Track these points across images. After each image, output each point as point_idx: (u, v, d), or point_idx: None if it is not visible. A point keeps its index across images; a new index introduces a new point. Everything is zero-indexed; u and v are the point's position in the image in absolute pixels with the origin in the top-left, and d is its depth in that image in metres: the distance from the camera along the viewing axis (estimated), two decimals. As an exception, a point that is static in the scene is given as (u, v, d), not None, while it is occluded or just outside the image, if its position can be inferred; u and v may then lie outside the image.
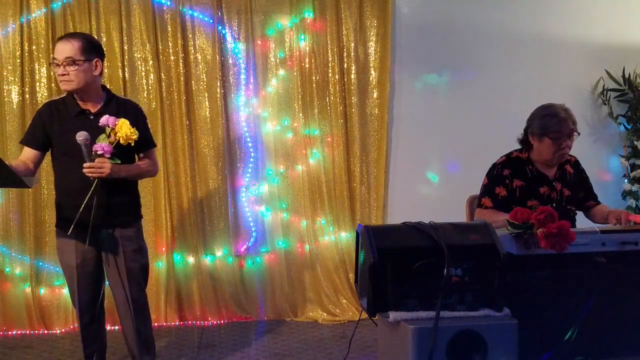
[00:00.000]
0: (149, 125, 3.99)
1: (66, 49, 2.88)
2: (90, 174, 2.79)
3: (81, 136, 2.77)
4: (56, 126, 2.96)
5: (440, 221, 2.34)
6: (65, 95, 3.01)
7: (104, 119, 2.81)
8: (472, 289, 2.22)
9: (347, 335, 4.02)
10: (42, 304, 4.24)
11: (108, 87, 4.01)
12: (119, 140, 2.80)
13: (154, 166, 3.19)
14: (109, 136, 2.81)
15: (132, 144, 2.85)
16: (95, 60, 2.94)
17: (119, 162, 2.86)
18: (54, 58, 2.93)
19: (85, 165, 2.79)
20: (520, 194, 3.01)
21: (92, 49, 2.94)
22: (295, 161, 4.49)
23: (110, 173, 2.82)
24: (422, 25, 4.57)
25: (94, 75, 2.95)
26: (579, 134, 3.03)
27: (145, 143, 3.07)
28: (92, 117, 2.95)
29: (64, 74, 2.88)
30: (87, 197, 2.80)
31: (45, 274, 4.24)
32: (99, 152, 2.79)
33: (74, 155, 2.87)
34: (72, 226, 2.83)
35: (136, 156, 3.14)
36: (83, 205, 2.80)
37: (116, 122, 2.80)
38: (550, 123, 2.97)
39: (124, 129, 2.79)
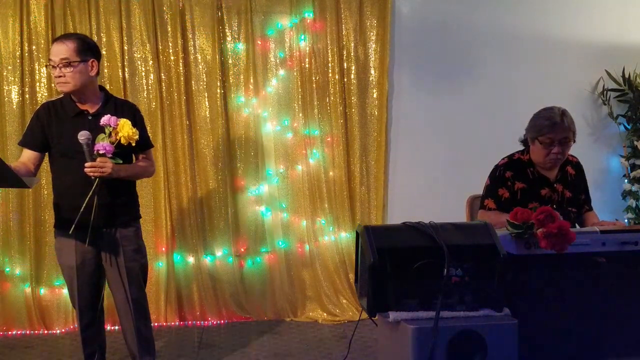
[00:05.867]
0: (149, 125, 4.03)
1: (61, 50, 2.87)
2: (91, 174, 2.79)
3: (83, 135, 2.76)
4: (54, 127, 2.95)
5: (440, 221, 2.34)
6: (62, 96, 3.01)
7: (106, 119, 2.80)
8: (472, 289, 2.23)
9: (347, 335, 4.02)
10: (42, 304, 4.24)
11: (108, 87, 4.04)
12: (119, 140, 2.80)
13: (152, 166, 3.21)
14: (109, 136, 2.80)
15: (133, 144, 2.85)
16: (90, 60, 2.93)
17: (121, 161, 2.86)
18: (49, 60, 2.92)
19: (86, 164, 2.78)
20: (522, 196, 3.00)
21: (87, 50, 2.93)
22: (295, 161, 4.49)
23: (112, 173, 2.82)
24: (422, 25, 4.57)
25: (90, 76, 2.94)
26: (575, 141, 2.98)
27: (143, 143, 3.07)
28: (90, 118, 2.95)
29: (60, 76, 2.88)
30: (88, 196, 2.79)
31: (45, 274, 4.24)
32: (100, 152, 2.78)
33: (73, 156, 2.87)
34: (73, 226, 2.82)
35: (134, 156, 3.14)
36: (84, 205, 2.79)
37: (117, 122, 2.80)
38: (542, 126, 2.93)
39: (126, 129, 2.79)
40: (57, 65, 2.87)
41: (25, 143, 3.01)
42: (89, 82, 2.95)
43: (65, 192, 2.97)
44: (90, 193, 2.79)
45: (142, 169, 3.13)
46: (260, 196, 4.48)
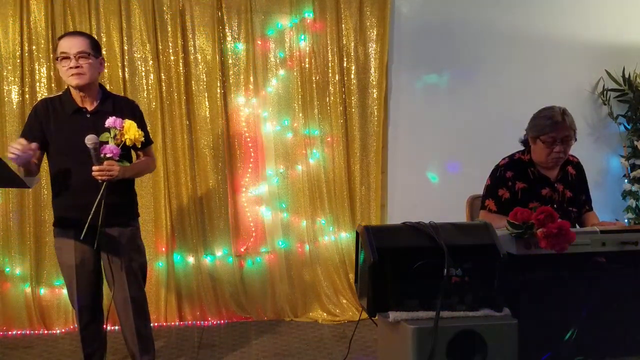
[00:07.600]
0: (149, 125, 4.02)
1: (78, 43, 2.89)
2: (99, 177, 2.78)
3: (90, 140, 2.74)
4: (52, 124, 2.95)
5: (440, 221, 2.34)
6: (62, 93, 3.01)
7: (111, 121, 2.79)
8: (472, 289, 2.22)
9: (347, 335, 4.02)
10: (42, 304, 4.24)
11: (108, 87, 4.04)
12: (124, 142, 2.80)
13: (153, 162, 3.24)
14: (114, 138, 2.80)
15: (139, 146, 2.86)
16: (100, 57, 3.00)
17: (128, 164, 2.87)
18: (62, 52, 2.89)
19: (94, 168, 2.77)
20: (522, 196, 3.00)
21: (97, 47, 3.00)
22: (295, 161, 4.49)
23: (119, 175, 2.82)
24: (422, 25, 4.57)
25: (99, 72, 3.01)
26: (576, 140, 2.99)
27: (144, 140, 3.06)
28: (88, 116, 2.95)
29: (77, 67, 2.87)
30: (97, 200, 2.77)
31: (45, 274, 4.24)
32: (108, 155, 2.78)
33: (70, 154, 2.87)
34: (84, 231, 2.80)
35: (134, 153, 3.14)
36: (93, 209, 2.77)
37: (123, 124, 2.80)
38: (544, 125, 2.94)
39: (132, 131, 2.79)
40: (74, 56, 2.87)
41: (24, 136, 3.00)
42: (98, 78, 3.01)
43: (65, 190, 2.97)
44: (99, 197, 2.78)
45: (145, 166, 3.17)
46: (260, 196, 4.48)
